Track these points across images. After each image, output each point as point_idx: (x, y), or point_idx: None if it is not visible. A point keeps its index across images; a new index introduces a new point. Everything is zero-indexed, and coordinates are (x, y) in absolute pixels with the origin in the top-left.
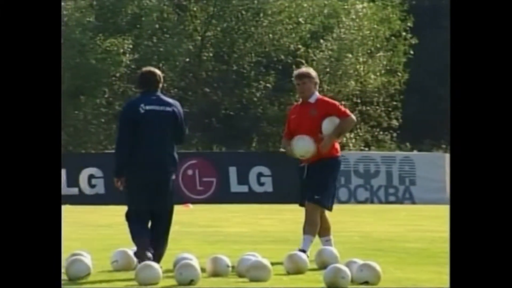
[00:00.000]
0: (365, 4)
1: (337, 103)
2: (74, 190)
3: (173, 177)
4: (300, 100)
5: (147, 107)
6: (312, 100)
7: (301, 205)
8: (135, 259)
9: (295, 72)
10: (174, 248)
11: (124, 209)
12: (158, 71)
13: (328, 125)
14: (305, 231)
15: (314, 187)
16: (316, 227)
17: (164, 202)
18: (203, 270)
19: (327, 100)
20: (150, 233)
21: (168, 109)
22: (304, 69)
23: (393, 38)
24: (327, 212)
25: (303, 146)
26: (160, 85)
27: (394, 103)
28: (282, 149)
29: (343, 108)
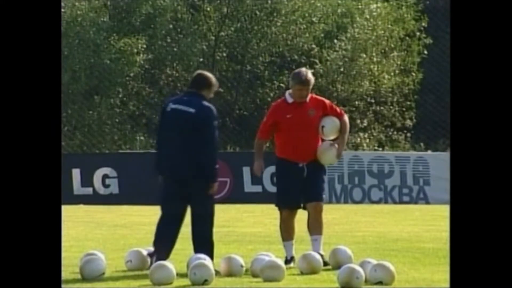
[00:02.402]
0: (379, 4)
1: (329, 101)
2: (88, 190)
3: (203, 178)
4: (289, 99)
5: (173, 106)
6: (307, 99)
7: (305, 208)
8: (148, 259)
9: (301, 76)
10: (188, 248)
11: (138, 209)
12: (208, 75)
13: (331, 126)
14: (317, 232)
15: (316, 186)
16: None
17: (192, 204)
18: (217, 270)
19: (322, 100)
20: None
21: (191, 110)
22: (307, 74)
23: (407, 38)
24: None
25: (333, 156)
26: (205, 88)
27: (408, 103)
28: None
29: (338, 108)
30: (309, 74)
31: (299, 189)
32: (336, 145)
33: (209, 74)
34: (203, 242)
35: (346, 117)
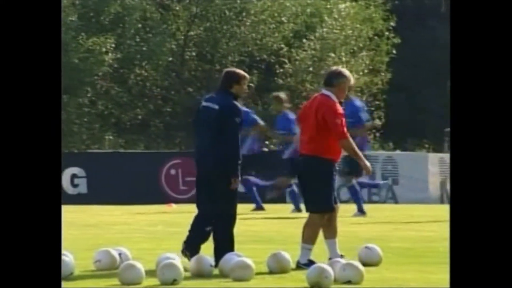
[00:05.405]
0: (348, 4)
1: None
2: None
3: (224, 175)
4: (335, 98)
5: (204, 104)
6: None
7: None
8: (118, 259)
9: (347, 73)
10: (157, 248)
11: (107, 208)
12: (235, 71)
13: None
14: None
15: None
16: None
17: (212, 202)
18: (186, 269)
19: None
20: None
21: (215, 107)
22: None
23: (376, 37)
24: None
25: None
26: (233, 84)
27: (377, 102)
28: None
29: None
30: None
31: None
32: None
33: (236, 70)
34: (220, 242)
35: None
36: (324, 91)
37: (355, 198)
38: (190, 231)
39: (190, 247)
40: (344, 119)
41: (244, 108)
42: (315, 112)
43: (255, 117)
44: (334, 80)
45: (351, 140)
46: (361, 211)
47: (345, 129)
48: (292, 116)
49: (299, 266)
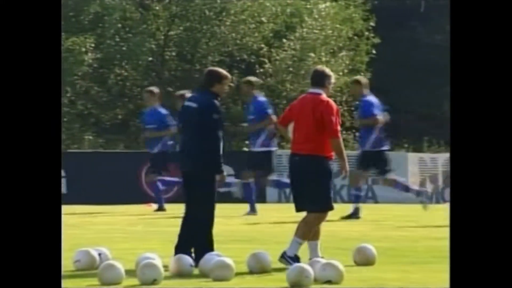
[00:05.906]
0: (328, 4)
1: None
2: None
3: (206, 173)
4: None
5: (185, 103)
6: None
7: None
8: (97, 258)
9: (332, 74)
10: (138, 248)
11: (87, 208)
12: (216, 70)
13: None
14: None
15: None
16: None
17: (190, 196)
18: (167, 269)
19: None
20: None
21: (194, 105)
22: None
23: (355, 37)
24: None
25: None
26: (215, 83)
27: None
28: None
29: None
30: None
31: None
32: None
33: (219, 70)
34: (200, 242)
35: None
36: (315, 90)
37: (248, 195)
38: (180, 236)
39: (183, 253)
40: (338, 118)
41: (261, 99)
42: (312, 110)
43: (269, 110)
44: (326, 80)
45: (341, 140)
46: (253, 210)
47: (338, 128)
48: (163, 110)
49: (284, 257)
